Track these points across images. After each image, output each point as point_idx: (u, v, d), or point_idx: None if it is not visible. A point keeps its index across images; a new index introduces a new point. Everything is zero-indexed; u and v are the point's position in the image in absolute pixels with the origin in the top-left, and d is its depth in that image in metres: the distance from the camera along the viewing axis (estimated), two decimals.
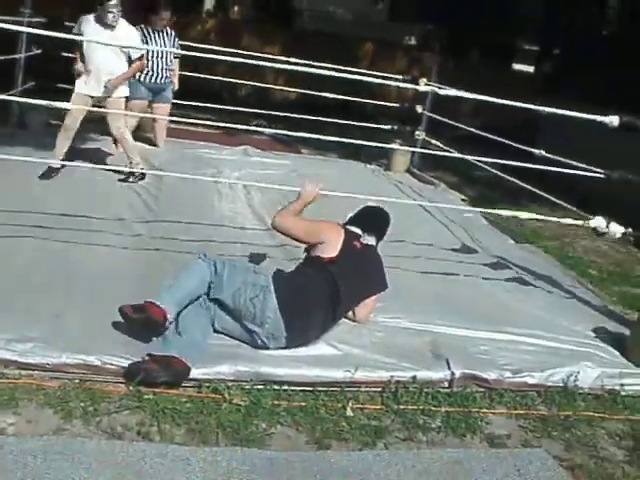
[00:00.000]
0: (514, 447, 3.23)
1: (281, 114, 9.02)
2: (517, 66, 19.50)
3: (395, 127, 7.92)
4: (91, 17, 6.13)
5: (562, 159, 5.41)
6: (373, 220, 4.26)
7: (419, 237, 5.74)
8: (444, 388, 3.56)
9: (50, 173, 6.01)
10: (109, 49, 6.03)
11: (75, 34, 6.09)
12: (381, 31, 20.43)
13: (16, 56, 7.66)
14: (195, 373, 3.25)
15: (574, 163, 5.29)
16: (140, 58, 6.44)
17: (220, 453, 2.82)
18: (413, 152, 8.35)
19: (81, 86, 6.18)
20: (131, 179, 6.20)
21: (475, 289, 4.89)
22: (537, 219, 5.82)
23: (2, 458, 2.56)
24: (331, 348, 3.65)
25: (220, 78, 9.37)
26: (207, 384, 3.24)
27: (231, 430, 3.00)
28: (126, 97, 6.46)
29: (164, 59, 7.45)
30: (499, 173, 6.73)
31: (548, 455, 3.16)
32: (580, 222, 5.08)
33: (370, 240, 4.10)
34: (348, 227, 4.11)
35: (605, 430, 3.48)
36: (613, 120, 4.64)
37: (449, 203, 7.09)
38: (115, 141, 6.88)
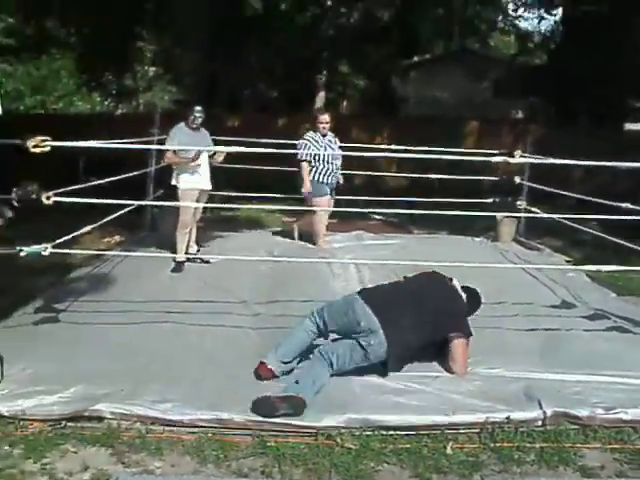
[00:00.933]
0: (607, 477, 3.47)
1: (391, 199, 9.58)
2: (630, 126, 19.33)
3: (497, 199, 8.29)
4: (181, 125, 7.26)
5: None
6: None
7: (520, 297, 6.05)
8: (538, 427, 3.85)
9: (179, 267, 6.96)
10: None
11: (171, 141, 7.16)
12: (486, 109, 20.97)
13: (147, 170, 8.81)
14: (310, 422, 3.73)
15: None
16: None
17: None
18: (518, 222, 8.72)
19: (188, 183, 7.18)
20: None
21: (573, 340, 5.13)
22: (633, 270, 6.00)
23: None
24: (432, 396, 4.06)
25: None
26: (322, 432, 3.71)
27: (343, 469, 3.45)
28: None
29: (335, 160, 8.23)
30: (606, 236, 6.97)
31: None
32: None
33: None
34: None
35: None
36: None
37: (554, 264, 7.37)
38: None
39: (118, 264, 7.08)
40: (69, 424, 3.78)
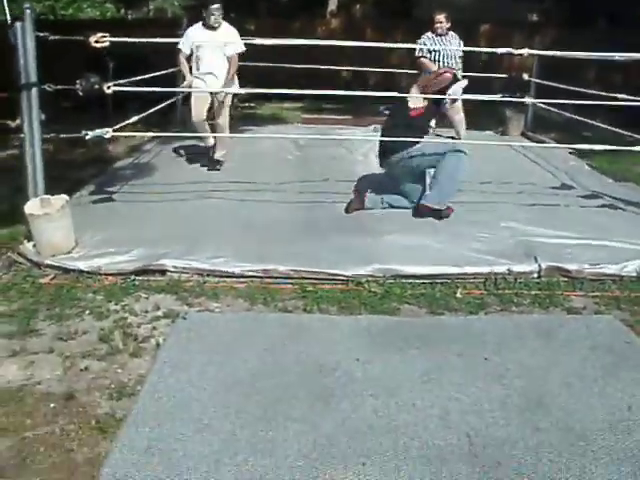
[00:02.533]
0: (587, 314, 4.17)
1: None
2: None
3: (506, 95, 8.78)
4: (197, 25, 7.14)
5: None
6: None
7: (524, 179, 6.84)
8: (534, 278, 4.57)
9: (214, 165, 7.35)
10: (211, 49, 7.01)
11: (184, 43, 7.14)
12: (503, 11, 20.93)
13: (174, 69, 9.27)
14: (342, 271, 4.45)
15: None
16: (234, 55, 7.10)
17: (362, 319, 4.00)
18: (525, 117, 9.31)
19: (199, 86, 7.12)
20: (218, 167, 7.28)
21: (568, 212, 5.87)
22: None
23: (215, 326, 3.88)
24: (446, 251, 4.82)
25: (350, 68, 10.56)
26: (352, 279, 4.44)
27: (370, 307, 4.17)
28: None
29: (451, 60, 8.55)
30: (608, 127, 7.20)
31: (614, 319, 4.05)
32: None
33: None
34: None
35: None
36: None
37: (556, 155, 7.99)
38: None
39: (155, 156, 7.77)
40: (137, 278, 4.49)
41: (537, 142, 9.11)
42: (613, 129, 6.73)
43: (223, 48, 7.01)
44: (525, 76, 9.05)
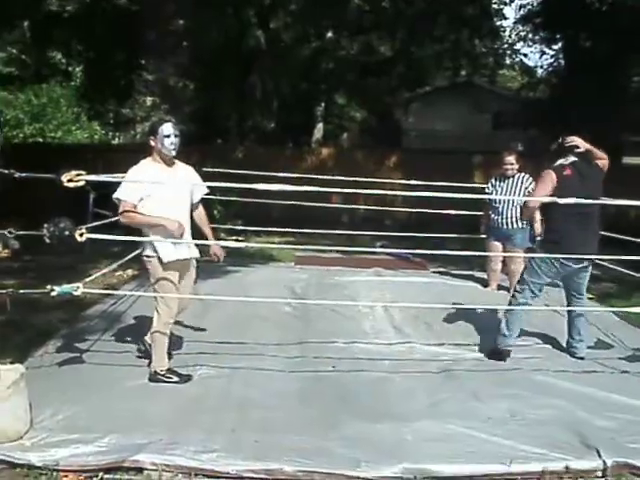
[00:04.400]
0: None
1: (397, 234, 9.57)
2: (627, 159, 19.33)
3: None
4: (145, 161, 4.92)
5: None
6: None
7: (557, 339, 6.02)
8: (598, 477, 3.70)
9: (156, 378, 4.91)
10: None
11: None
12: (487, 141, 21.00)
13: None
14: (364, 473, 3.55)
15: None
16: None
17: None
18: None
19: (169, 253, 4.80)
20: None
21: (619, 383, 5.02)
22: None
23: None
24: (485, 442, 3.91)
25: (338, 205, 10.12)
26: None
27: None
28: None
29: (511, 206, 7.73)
30: (622, 269, 7.00)
31: None
32: None
33: None
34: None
35: None
36: None
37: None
38: None
39: (135, 302, 6.89)
40: (106, 476, 3.59)
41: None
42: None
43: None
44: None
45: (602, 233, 5.73)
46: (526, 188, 7.60)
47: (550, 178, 5.37)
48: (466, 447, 3.84)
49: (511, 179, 7.75)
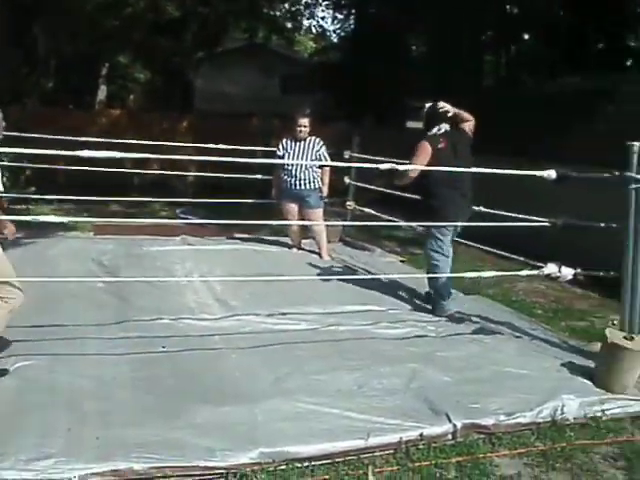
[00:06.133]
0: None
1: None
2: (410, 124, 20.28)
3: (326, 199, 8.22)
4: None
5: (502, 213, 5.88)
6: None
7: (376, 304, 6.12)
8: (449, 440, 3.76)
9: None
10: None
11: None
12: (276, 105, 21.11)
13: None
14: (219, 462, 3.33)
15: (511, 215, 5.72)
16: None
17: None
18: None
19: None
20: None
21: (446, 344, 5.17)
22: (499, 276, 6.22)
23: None
24: (339, 418, 3.81)
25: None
26: (233, 471, 3.32)
27: None
28: None
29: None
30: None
31: None
32: (536, 272, 5.48)
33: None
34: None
35: (599, 455, 3.77)
36: (551, 174, 5.08)
37: (391, 266, 7.46)
38: None
39: None
40: None
41: (361, 249, 8.59)
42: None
43: None
44: (346, 179, 8.57)
45: None
46: (317, 151, 7.80)
47: (426, 150, 5.75)
48: (320, 424, 3.71)
49: (303, 142, 7.86)
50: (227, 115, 17.43)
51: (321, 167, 7.82)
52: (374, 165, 5.15)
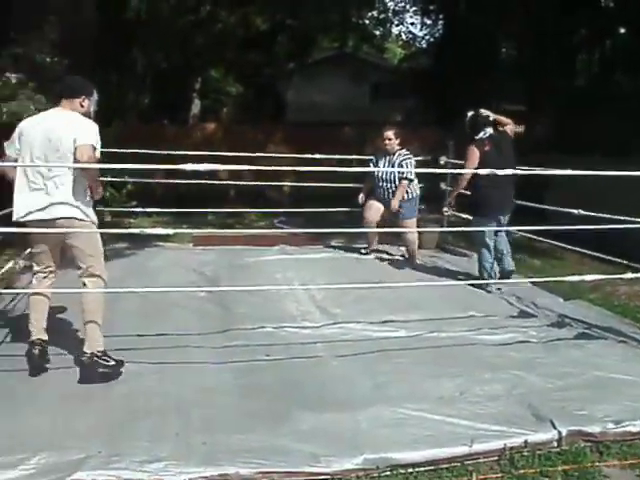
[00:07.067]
0: None
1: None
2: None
3: (422, 207, 8.23)
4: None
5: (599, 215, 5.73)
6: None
7: (479, 310, 6.07)
8: (554, 448, 3.70)
9: None
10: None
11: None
12: (366, 113, 21.14)
13: None
14: (324, 468, 3.38)
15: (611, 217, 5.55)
16: None
17: None
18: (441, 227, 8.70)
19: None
20: None
21: (548, 350, 5.09)
22: (601, 279, 6.08)
23: None
24: (442, 424, 3.81)
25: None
26: (338, 476, 3.37)
27: None
28: None
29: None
30: (531, 236, 7.54)
31: None
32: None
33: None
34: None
35: None
36: None
37: None
38: None
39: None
40: None
41: (458, 255, 8.53)
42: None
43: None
44: (442, 185, 8.55)
45: None
46: (400, 165, 7.83)
47: (474, 154, 6.61)
48: (423, 431, 3.72)
49: (392, 155, 7.89)
50: (319, 124, 17.56)
51: (399, 179, 7.85)
52: (470, 170, 5.19)
